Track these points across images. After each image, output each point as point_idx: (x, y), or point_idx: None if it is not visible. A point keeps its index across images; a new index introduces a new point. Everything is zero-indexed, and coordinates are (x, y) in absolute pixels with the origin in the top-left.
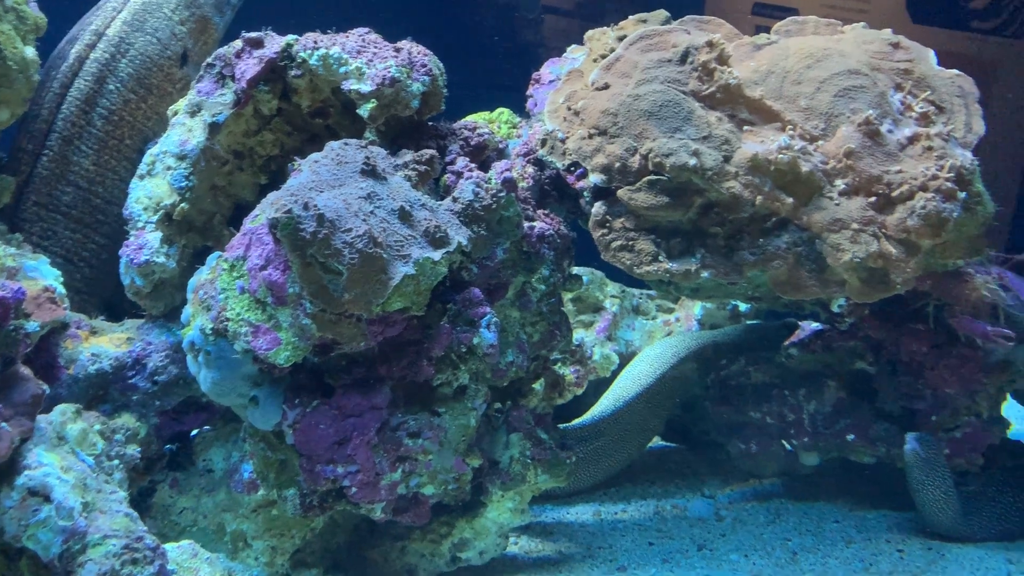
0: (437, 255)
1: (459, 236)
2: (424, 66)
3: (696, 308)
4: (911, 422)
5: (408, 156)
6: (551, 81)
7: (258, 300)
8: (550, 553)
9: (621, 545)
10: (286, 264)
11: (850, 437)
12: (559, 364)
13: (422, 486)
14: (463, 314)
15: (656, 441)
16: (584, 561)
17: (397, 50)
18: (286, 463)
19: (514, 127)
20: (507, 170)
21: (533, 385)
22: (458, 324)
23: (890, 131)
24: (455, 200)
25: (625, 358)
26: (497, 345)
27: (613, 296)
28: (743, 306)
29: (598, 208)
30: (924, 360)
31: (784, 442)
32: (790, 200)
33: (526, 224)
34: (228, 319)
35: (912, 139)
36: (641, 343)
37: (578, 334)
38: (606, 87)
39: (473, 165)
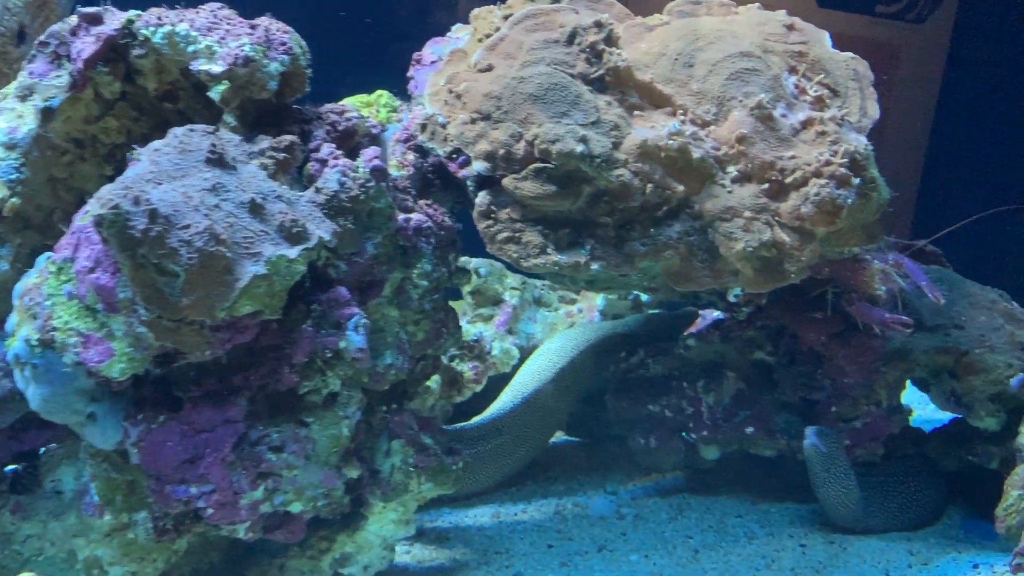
0: (294, 252)
1: (321, 231)
2: (283, 44)
3: (598, 299)
4: (811, 413)
5: (265, 143)
6: (433, 62)
7: (88, 307)
8: (444, 561)
9: (519, 549)
10: (116, 266)
11: (749, 430)
12: (456, 360)
13: (288, 503)
14: (328, 316)
15: (560, 436)
16: (479, 568)
17: (253, 27)
18: (134, 484)
19: (394, 111)
20: (376, 157)
21: (427, 384)
22: (323, 327)
23: (784, 115)
24: (318, 191)
25: (526, 352)
26: (366, 348)
27: (513, 288)
28: (644, 296)
29: (482, 198)
30: (822, 349)
31: (684, 435)
32: (681, 188)
33: (401, 216)
34: (55, 328)
35: (806, 124)
36: (543, 336)
37: (477, 328)
38: (489, 68)
39: (340, 152)
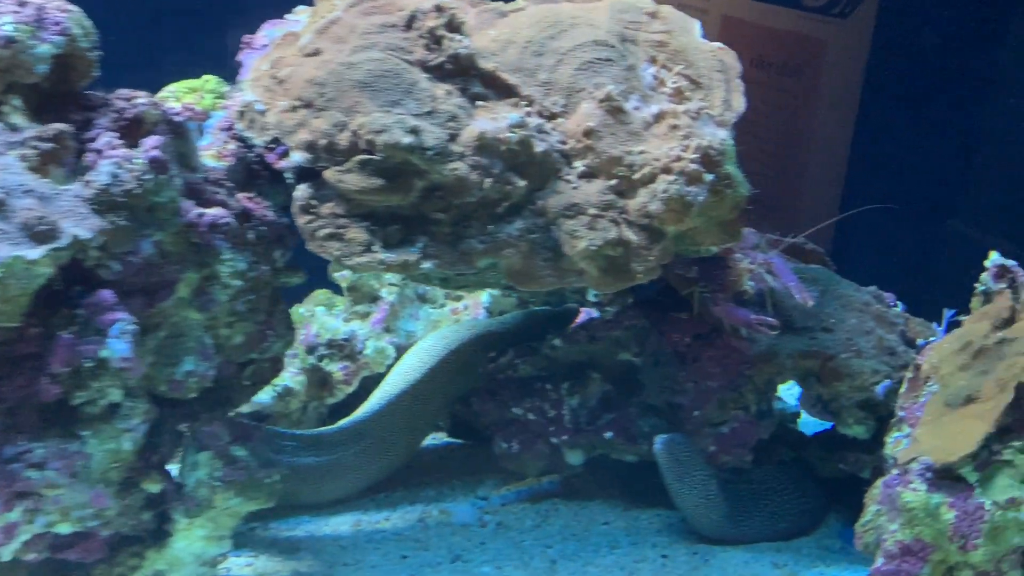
0: (36, 253)
1: (78, 229)
2: (58, 24)
3: (484, 295)
4: (675, 417)
5: (30, 132)
6: (264, 45)
7: None
8: (286, 574)
9: (370, 560)
10: None
11: (608, 435)
12: (326, 361)
13: (54, 524)
14: (91, 322)
15: (441, 438)
16: None
17: (22, 4)
18: None
19: (220, 97)
20: (156, 147)
21: (289, 386)
22: (85, 334)
23: (636, 108)
24: (87, 184)
25: (405, 350)
26: (133, 357)
27: (392, 284)
28: (595, 298)
29: (302, 191)
30: (686, 351)
31: (549, 440)
32: (523, 183)
33: (195, 211)
34: None
35: (659, 117)
36: (426, 334)
37: (351, 326)
38: (317, 53)
39: (119, 142)
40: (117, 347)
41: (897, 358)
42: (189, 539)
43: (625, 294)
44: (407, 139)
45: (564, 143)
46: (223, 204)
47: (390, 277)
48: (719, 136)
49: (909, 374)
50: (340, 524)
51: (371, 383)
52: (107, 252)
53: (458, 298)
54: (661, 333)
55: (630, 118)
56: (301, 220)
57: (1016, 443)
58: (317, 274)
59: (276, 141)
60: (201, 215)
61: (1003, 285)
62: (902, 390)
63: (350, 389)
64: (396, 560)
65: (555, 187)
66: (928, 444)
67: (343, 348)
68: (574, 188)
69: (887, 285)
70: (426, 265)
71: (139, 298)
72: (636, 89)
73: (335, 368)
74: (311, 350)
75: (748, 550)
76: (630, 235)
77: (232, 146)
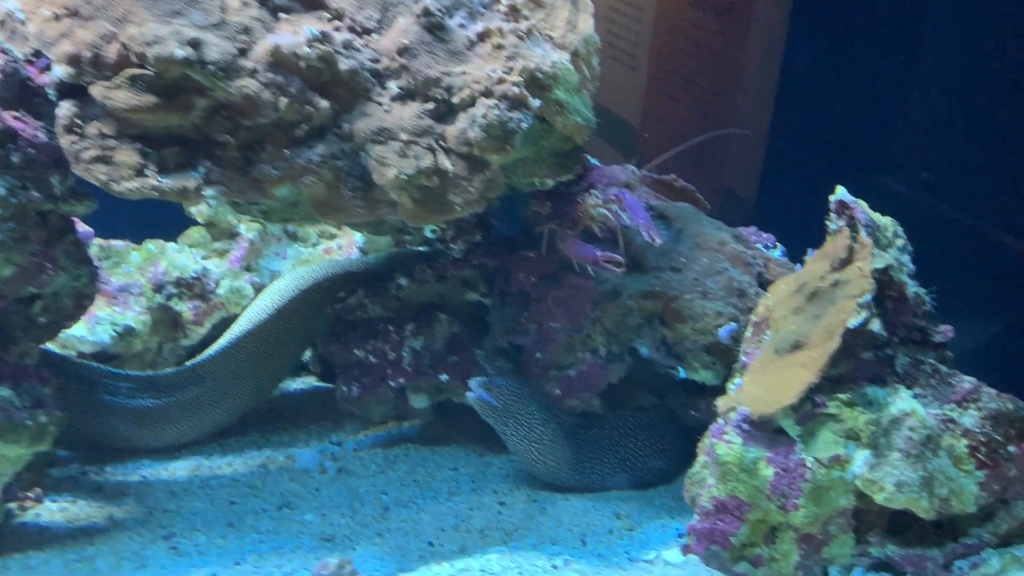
0: None
1: None
2: None
3: (358, 234)
4: (519, 360)
5: None
6: None
7: None
8: (99, 520)
9: (193, 507)
10: None
11: (443, 377)
12: (175, 300)
13: None
14: None
15: (312, 382)
16: (133, 529)
17: None
18: None
19: None
20: None
21: (130, 326)
22: None
23: (461, 26)
24: None
25: None
26: None
27: (253, 221)
28: (432, 234)
29: (66, 108)
30: (532, 291)
31: (389, 383)
32: (325, 104)
33: None
34: None
35: (483, 36)
36: None
37: (205, 264)
38: None
39: None
40: None
41: (747, 300)
42: None
43: (473, 231)
44: (182, 52)
45: (377, 61)
46: None
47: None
48: (552, 58)
49: (754, 317)
50: (179, 469)
51: (230, 324)
52: None
53: (331, 236)
54: (509, 273)
55: (452, 36)
56: (64, 141)
57: (842, 395)
58: None
59: (38, 54)
60: None
61: (842, 223)
62: (747, 334)
63: (202, 330)
64: (223, 506)
65: (364, 109)
66: (749, 393)
67: (193, 287)
68: (386, 111)
69: (811, 236)
70: (209, 192)
71: None
72: (463, 5)
73: (185, 308)
74: (158, 288)
75: (593, 498)
76: (447, 164)
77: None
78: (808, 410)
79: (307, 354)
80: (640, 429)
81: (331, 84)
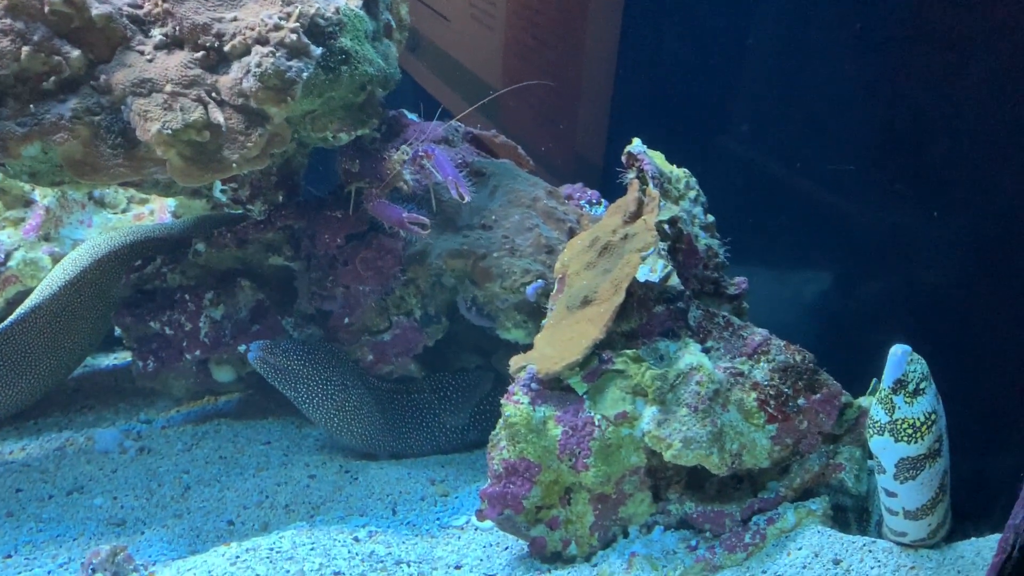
0: None
1: None
2: None
3: (170, 199)
4: (328, 326)
5: None
6: None
7: None
8: None
9: None
10: None
11: (241, 348)
12: None
13: None
14: None
15: (128, 357)
16: None
17: None
18: None
19: None
20: None
21: None
22: None
23: None
24: None
25: None
26: None
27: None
28: (223, 195)
29: None
30: (338, 253)
31: (185, 356)
32: (77, 53)
33: None
34: None
35: None
36: None
37: (0, 235)
38: None
39: None
40: None
41: (556, 257)
42: None
43: (274, 191)
44: None
45: (137, 7)
46: None
47: None
48: (335, 4)
49: (556, 274)
50: None
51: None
52: None
53: (143, 201)
54: (314, 234)
55: None
56: None
57: (629, 351)
58: None
59: None
60: None
61: (632, 175)
62: (554, 291)
63: None
64: (7, 494)
65: (124, 59)
66: (538, 351)
67: None
68: (148, 60)
69: None
70: None
71: None
72: None
73: None
74: None
75: (409, 465)
76: (219, 117)
77: None
78: (595, 367)
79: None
80: (461, 391)
81: (84, 31)
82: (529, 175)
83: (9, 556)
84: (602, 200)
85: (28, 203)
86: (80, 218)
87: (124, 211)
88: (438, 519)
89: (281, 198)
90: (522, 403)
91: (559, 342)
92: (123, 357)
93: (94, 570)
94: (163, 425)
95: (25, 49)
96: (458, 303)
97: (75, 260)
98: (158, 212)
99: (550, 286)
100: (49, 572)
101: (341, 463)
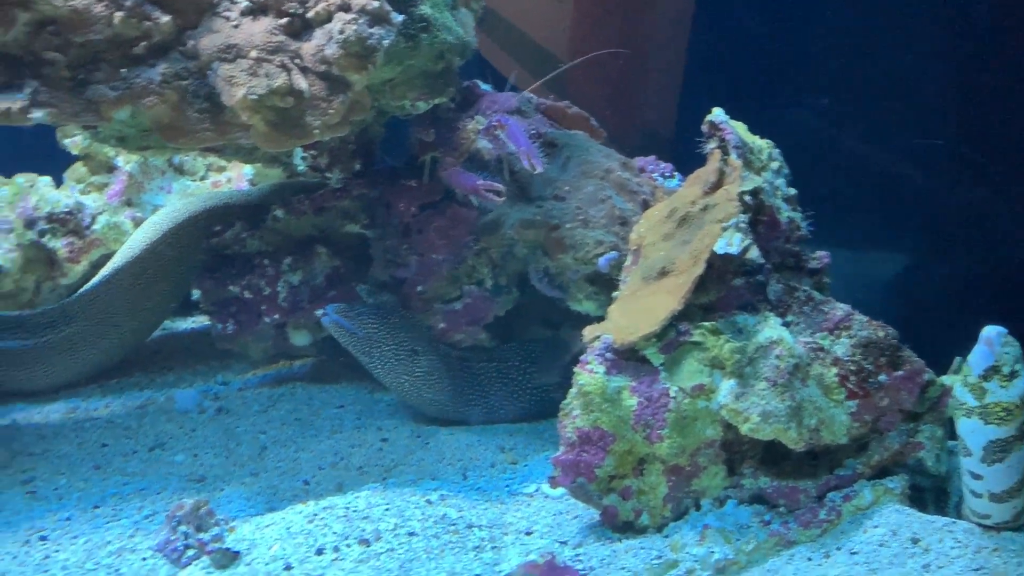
0: None
1: None
2: None
3: (247, 167)
4: (401, 294)
5: None
6: None
7: None
8: None
9: (62, 449)
10: None
11: (318, 312)
12: (48, 236)
13: None
14: None
15: (204, 321)
16: None
17: None
18: None
19: None
20: None
21: None
22: None
23: None
24: None
25: None
26: None
27: (131, 153)
28: (302, 165)
29: None
30: (412, 222)
31: (264, 319)
32: (167, 19)
33: None
34: None
35: None
36: None
37: (85, 199)
38: None
39: None
40: None
41: (630, 228)
42: None
43: (351, 159)
44: None
45: None
46: None
47: None
48: None
49: (631, 245)
50: (53, 412)
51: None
52: None
53: (221, 169)
54: (390, 203)
55: None
56: None
57: (707, 324)
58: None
59: None
60: None
61: (714, 145)
62: (628, 262)
63: (80, 268)
64: (93, 449)
65: (211, 25)
66: (614, 321)
67: (66, 223)
68: (235, 27)
69: None
70: (37, 114)
71: None
72: None
73: (59, 245)
74: (30, 224)
75: (479, 432)
76: (302, 83)
77: None
78: (672, 338)
79: (197, 292)
80: (529, 361)
81: None
82: (602, 147)
83: (97, 507)
84: (675, 173)
85: (111, 169)
86: (160, 184)
87: (202, 178)
88: (507, 486)
89: (358, 167)
90: (597, 372)
91: (635, 313)
92: (200, 321)
93: (178, 522)
94: (239, 387)
95: (118, 14)
96: (529, 274)
97: (156, 224)
98: (235, 179)
99: (623, 258)
100: (135, 523)
101: (412, 428)
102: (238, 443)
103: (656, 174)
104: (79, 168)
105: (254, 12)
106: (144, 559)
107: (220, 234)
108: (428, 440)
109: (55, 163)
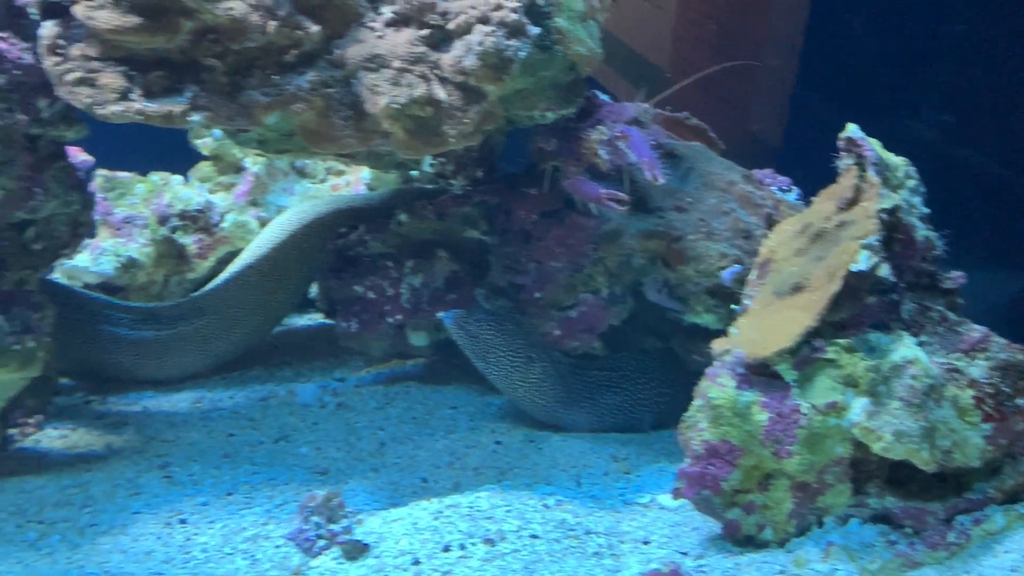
0: None
1: None
2: None
3: (365, 171)
4: (519, 300)
5: None
6: None
7: None
8: (97, 448)
9: (191, 437)
10: None
11: (439, 315)
12: (179, 232)
13: None
14: None
15: (319, 319)
16: (129, 457)
17: None
18: None
19: None
20: None
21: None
22: None
23: None
24: None
25: None
26: None
27: (258, 155)
28: (431, 169)
29: (49, 29)
30: (532, 228)
31: (386, 319)
32: (316, 28)
33: None
34: None
35: None
36: None
37: (210, 198)
38: None
39: None
40: None
41: (753, 242)
42: None
43: (474, 167)
44: None
45: None
46: None
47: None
48: None
49: (759, 259)
50: (181, 401)
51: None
52: None
53: (339, 173)
54: (510, 210)
55: None
56: (48, 62)
57: (841, 340)
58: None
59: None
60: None
61: (851, 161)
62: (752, 276)
63: (207, 263)
64: (221, 438)
65: (357, 35)
66: (745, 336)
67: (197, 220)
68: (379, 37)
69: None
70: (195, 118)
71: None
72: None
73: (189, 241)
74: (163, 221)
75: (591, 440)
76: (440, 93)
77: None
78: (805, 355)
79: (314, 290)
80: (641, 372)
81: (322, 8)
82: (723, 159)
83: (230, 494)
84: (792, 187)
85: (239, 170)
86: (284, 186)
87: (322, 181)
88: (622, 495)
89: (480, 174)
90: (728, 386)
91: (766, 328)
92: (315, 318)
93: (311, 513)
94: (356, 384)
95: (272, 23)
96: (645, 284)
97: (284, 224)
98: (353, 183)
99: (747, 271)
100: (267, 511)
101: (526, 432)
102: (358, 438)
103: (774, 187)
104: (203, 167)
105: (397, 23)
106: (277, 546)
107: (344, 236)
108: (541, 445)
109: (172, 162)
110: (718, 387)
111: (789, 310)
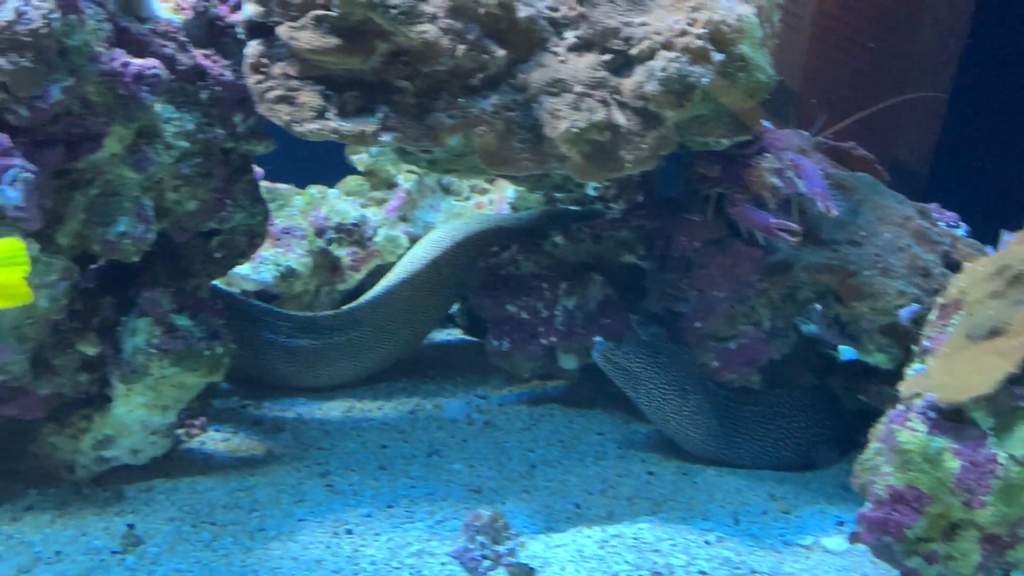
0: None
1: None
2: None
3: (509, 190)
4: (675, 328)
5: None
6: None
7: None
8: (258, 453)
9: (347, 447)
10: None
11: (597, 339)
12: (335, 245)
13: None
14: None
15: (459, 335)
16: (289, 464)
17: None
18: None
19: None
20: None
21: (238, 261)
22: None
23: None
24: None
25: None
26: (27, 206)
27: (410, 172)
28: (594, 192)
29: (253, 48)
30: (694, 257)
31: (540, 340)
32: (502, 53)
33: (119, 60)
34: None
35: None
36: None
37: (364, 212)
38: None
39: None
40: (8, 194)
41: (932, 280)
42: (129, 406)
43: (634, 191)
44: None
45: (555, 10)
46: (169, 59)
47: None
48: (737, 11)
49: (941, 300)
50: (332, 409)
51: (385, 272)
52: (11, 95)
53: (483, 191)
54: (670, 236)
55: None
56: (251, 80)
57: None
58: None
59: None
60: (126, 64)
61: None
62: (931, 317)
63: (359, 276)
64: (374, 449)
65: (540, 59)
66: (938, 379)
67: (352, 233)
68: (561, 61)
69: (980, 214)
70: (385, 137)
71: (58, 149)
72: None
73: (343, 253)
74: (320, 233)
75: (746, 476)
76: (620, 118)
77: None
78: (1004, 402)
79: (454, 307)
80: (800, 410)
81: (508, 32)
82: (894, 191)
83: (391, 507)
84: (960, 223)
85: (391, 186)
86: (431, 203)
87: (466, 199)
88: (782, 535)
89: (640, 198)
90: (919, 431)
91: (960, 372)
92: (454, 334)
93: (476, 532)
94: (499, 402)
95: (461, 47)
96: (812, 318)
97: (436, 241)
98: (497, 201)
99: (926, 311)
100: (430, 527)
101: (678, 464)
102: (508, 458)
103: (941, 223)
104: (350, 182)
105: (580, 48)
106: (443, 564)
107: (496, 255)
108: (696, 479)
109: (325, 175)
110: (908, 431)
111: (985, 355)
